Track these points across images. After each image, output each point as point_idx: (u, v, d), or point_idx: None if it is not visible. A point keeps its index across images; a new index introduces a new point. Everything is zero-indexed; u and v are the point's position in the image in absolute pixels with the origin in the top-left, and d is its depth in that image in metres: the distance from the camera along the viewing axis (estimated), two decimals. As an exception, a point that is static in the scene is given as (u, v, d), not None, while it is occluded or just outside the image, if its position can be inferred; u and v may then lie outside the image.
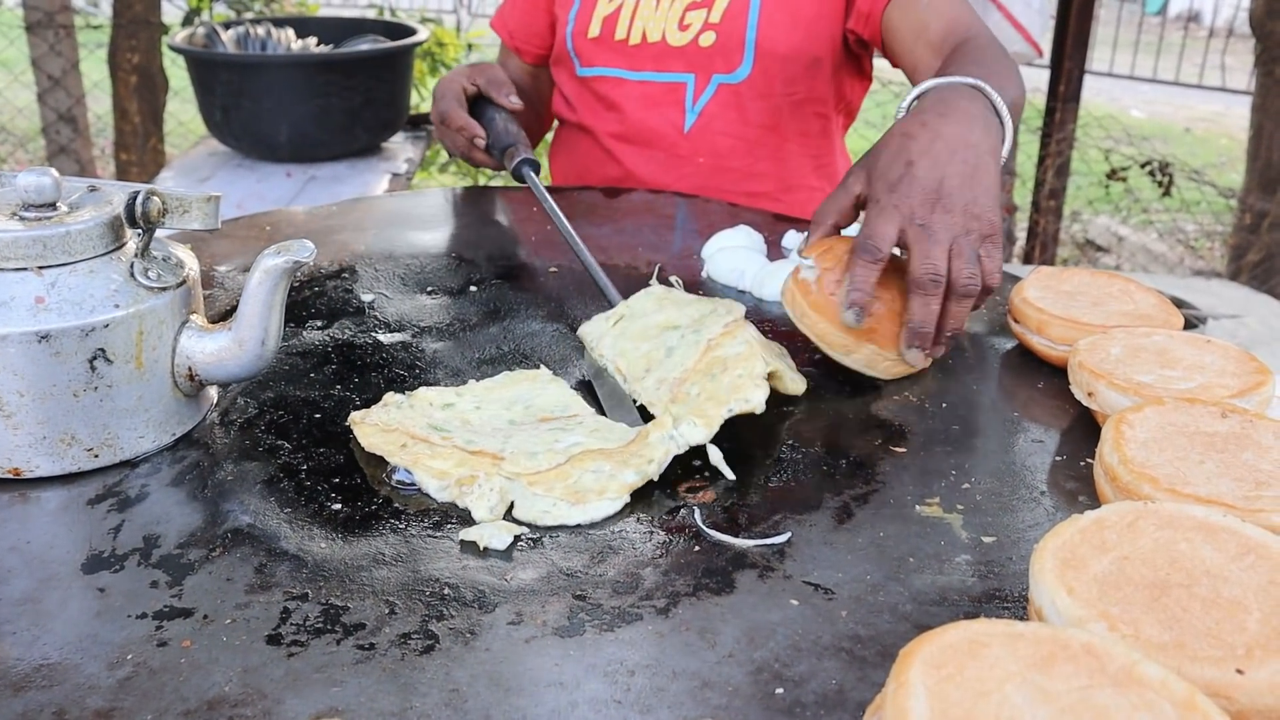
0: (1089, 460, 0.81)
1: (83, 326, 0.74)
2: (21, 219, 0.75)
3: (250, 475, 0.78)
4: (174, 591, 0.65)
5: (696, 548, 0.71)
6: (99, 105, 4.71)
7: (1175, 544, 0.60)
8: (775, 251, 1.22)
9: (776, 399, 0.89)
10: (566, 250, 1.24)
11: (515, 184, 1.35)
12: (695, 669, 0.59)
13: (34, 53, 4.11)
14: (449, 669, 0.59)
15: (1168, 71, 6.48)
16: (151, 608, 0.64)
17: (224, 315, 0.96)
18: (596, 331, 0.96)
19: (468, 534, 0.71)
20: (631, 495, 0.75)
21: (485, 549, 0.70)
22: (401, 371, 0.94)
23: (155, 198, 0.78)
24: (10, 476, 0.76)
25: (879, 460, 0.82)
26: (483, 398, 0.87)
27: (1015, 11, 2.93)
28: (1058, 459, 0.82)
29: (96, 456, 0.77)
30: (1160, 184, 4.13)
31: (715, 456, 0.79)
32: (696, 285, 1.14)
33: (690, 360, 0.87)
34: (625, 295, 1.01)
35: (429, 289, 1.12)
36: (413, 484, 0.76)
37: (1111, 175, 4.26)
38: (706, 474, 0.79)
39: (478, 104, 1.42)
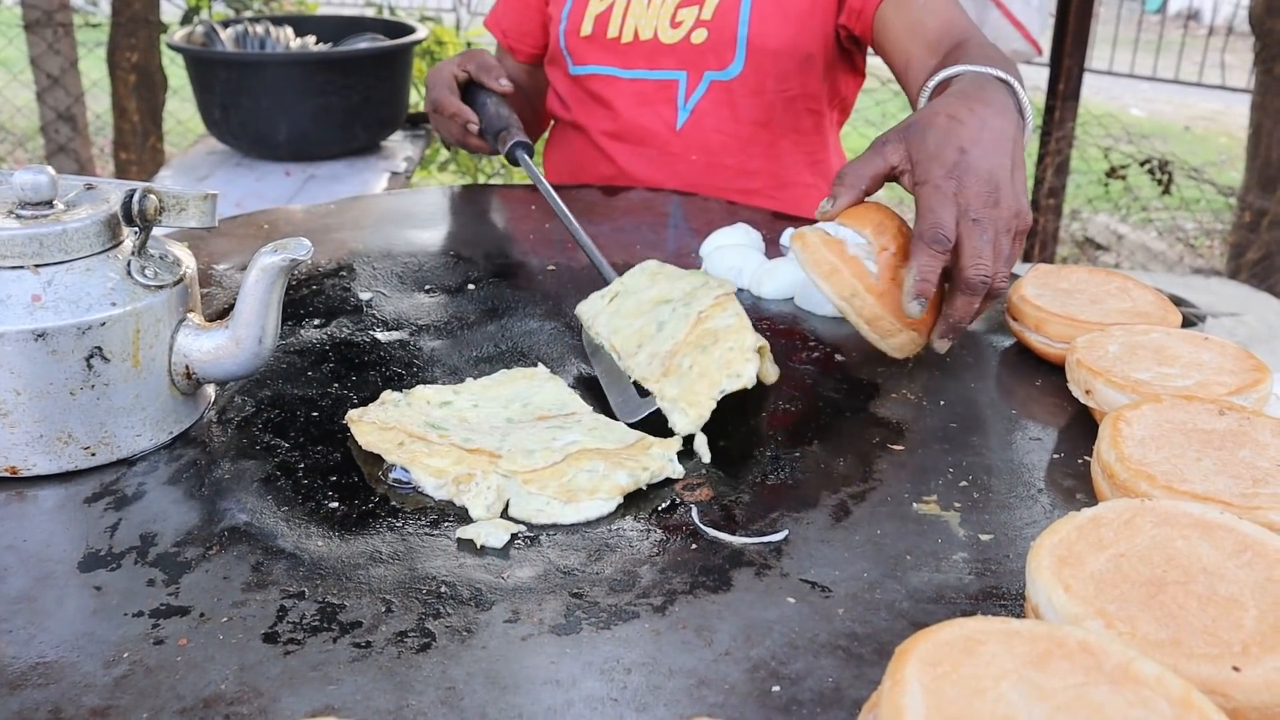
0: (1087, 458, 0.81)
1: (79, 325, 0.74)
2: (18, 217, 0.75)
3: (247, 473, 0.78)
4: (170, 590, 0.65)
5: (693, 546, 0.71)
6: (98, 104, 4.71)
7: (1172, 541, 0.60)
8: (773, 249, 1.22)
9: (773, 397, 0.90)
10: (564, 248, 1.24)
11: (514, 183, 1.35)
12: (692, 667, 0.59)
13: (33, 51, 4.11)
14: (445, 667, 0.59)
15: (1167, 70, 6.47)
16: (148, 606, 0.64)
17: (222, 313, 0.96)
18: (593, 310, 0.96)
19: (465, 532, 0.71)
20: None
21: (482, 547, 0.70)
22: (399, 370, 0.94)
23: (152, 196, 0.78)
24: (7, 475, 0.76)
25: (876, 458, 0.81)
26: (480, 396, 0.87)
27: (1014, 10, 2.93)
28: (1055, 456, 0.82)
29: (93, 455, 0.77)
30: (1160, 182, 4.13)
31: (699, 443, 0.80)
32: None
33: (681, 333, 0.86)
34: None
35: (427, 287, 1.12)
36: (409, 483, 0.76)
37: (1111, 173, 4.26)
38: (703, 472, 0.79)
39: (469, 90, 1.42)
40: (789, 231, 1.25)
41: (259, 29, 2.51)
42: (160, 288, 0.78)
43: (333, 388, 0.90)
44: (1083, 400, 0.85)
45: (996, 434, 0.86)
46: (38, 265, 0.74)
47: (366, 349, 0.98)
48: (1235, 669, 0.51)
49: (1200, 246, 4.69)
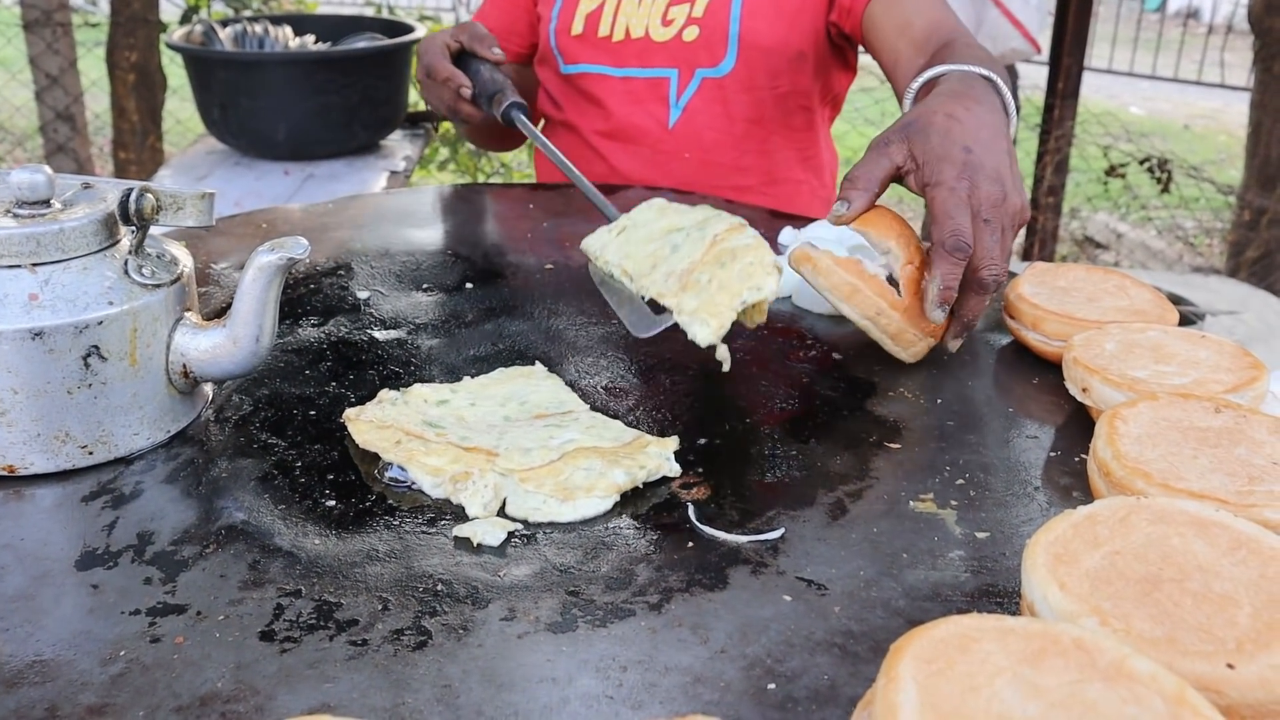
0: (1083, 456, 0.81)
1: (76, 324, 0.74)
2: (15, 216, 0.75)
3: (245, 472, 0.78)
4: (167, 588, 0.65)
5: (690, 544, 0.71)
6: (97, 103, 4.71)
7: (1167, 539, 0.60)
8: (771, 248, 1.21)
9: (771, 395, 0.90)
10: (562, 248, 1.24)
11: (512, 182, 1.35)
12: (688, 664, 0.59)
13: (32, 51, 4.11)
14: (442, 665, 0.59)
15: (1167, 68, 6.47)
16: (145, 604, 0.64)
17: (220, 312, 0.96)
18: (600, 241, 0.95)
19: (461, 530, 0.71)
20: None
21: (479, 545, 0.70)
22: (396, 368, 0.94)
23: (149, 195, 0.78)
24: (5, 474, 0.76)
25: (873, 456, 0.82)
26: (477, 394, 0.87)
27: (1013, 8, 2.93)
28: (1052, 454, 0.82)
29: (91, 454, 0.77)
30: (1159, 181, 4.12)
31: (723, 353, 0.80)
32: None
33: (697, 253, 0.85)
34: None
35: (424, 286, 1.12)
36: (404, 481, 0.76)
37: (1110, 172, 4.25)
38: (700, 470, 0.79)
39: (462, 60, 1.41)
40: (787, 230, 1.25)
41: (258, 28, 2.51)
42: (158, 286, 0.78)
43: (330, 386, 0.90)
44: (1080, 398, 0.85)
45: (993, 432, 0.86)
46: (35, 264, 0.74)
47: (364, 348, 0.98)
48: (1230, 666, 0.51)
49: (1200, 245, 4.69)
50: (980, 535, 0.72)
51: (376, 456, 0.78)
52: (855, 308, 0.90)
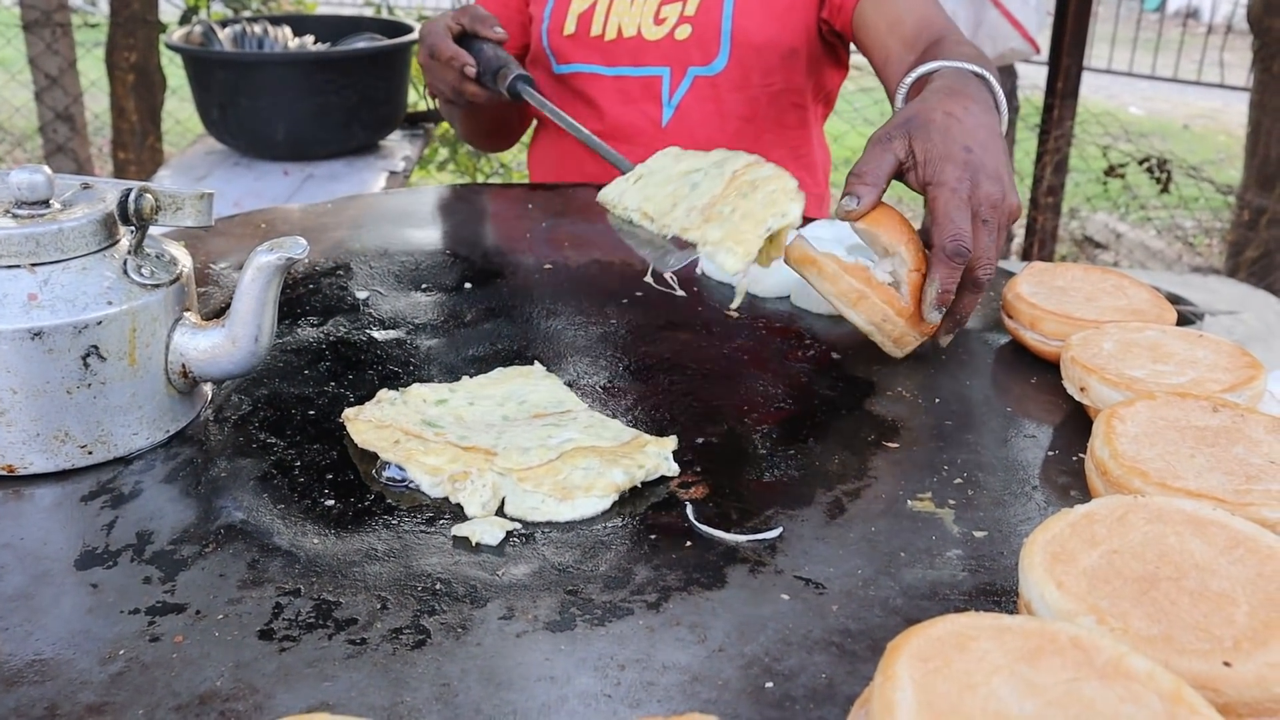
0: (1081, 455, 0.81)
1: (76, 324, 0.74)
2: (14, 216, 0.75)
3: (244, 472, 0.78)
4: (167, 587, 0.65)
5: (688, 543, 0.71)
6: (97, 104, 4.71)
7: (1165, 538, 0.60)
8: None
9: (770, 395, 0.90)
10: (561, 247, 1.24)
11: (511, 182, 1.35)
12: (685, 663, 0.60)
13: (31, 51, 4.11)
14: (440, 664, 0.59)
15: (1166, 68, 6.47)
16: (144, 603, 0.64)
17: (219, 312, 0.96)
18: (617, 190, 0.95)
19: (460, 529, 0.71)
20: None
21: (477, 544, 0.70)
22: (395, 368, 0.94)
23: (148, 195, 0.78)
24: (4, 473, 0.76)
25: (871, 455, 0.82)
26: (476, 394, 0.87)
27: (1012, 8, 2.93)
28: (1050, 454, 0.83)
29: (90, 453, 0.77)
30: (1158, 181, 4.13)
31: (742, 286, 0.82)
32: (693, 281, 1.14)
33: (718, 188, 0.85)
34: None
35: (423, 286, 1.12)
36: (402, 481, 0.76)
37: (1110, 172, 4.25)
38: (699, 469, 0.79)
39: (463, 42, 1.41)
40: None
41: (257, 29, 2.52)
42: (157, 286, 0.78)
43: (329, 386, 0.91)
44: (1077, 397, 0.86)
45: (991, 431, 0.86)
46: (34, 264, 0.74)
47: (363, 348, 0.98)
48: (1226, 664, 0.52)
49: (1199, 245, 4.69)
50: (978, 534, 0.72)
51: (375, 456, 0.78)
52: (861, 314, 0.90)
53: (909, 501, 0.76)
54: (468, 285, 1.13)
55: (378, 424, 0.81)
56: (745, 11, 1.42)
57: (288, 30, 2.55)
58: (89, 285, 0.75)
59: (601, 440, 0.79)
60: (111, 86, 3.87)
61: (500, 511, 0.74)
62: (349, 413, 0.83)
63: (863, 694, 0.53)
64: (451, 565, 0.68)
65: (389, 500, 0.75)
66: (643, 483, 0.76)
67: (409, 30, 2.48)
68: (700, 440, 0.83)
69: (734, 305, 0.82)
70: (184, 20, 3.61)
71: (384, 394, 0.85)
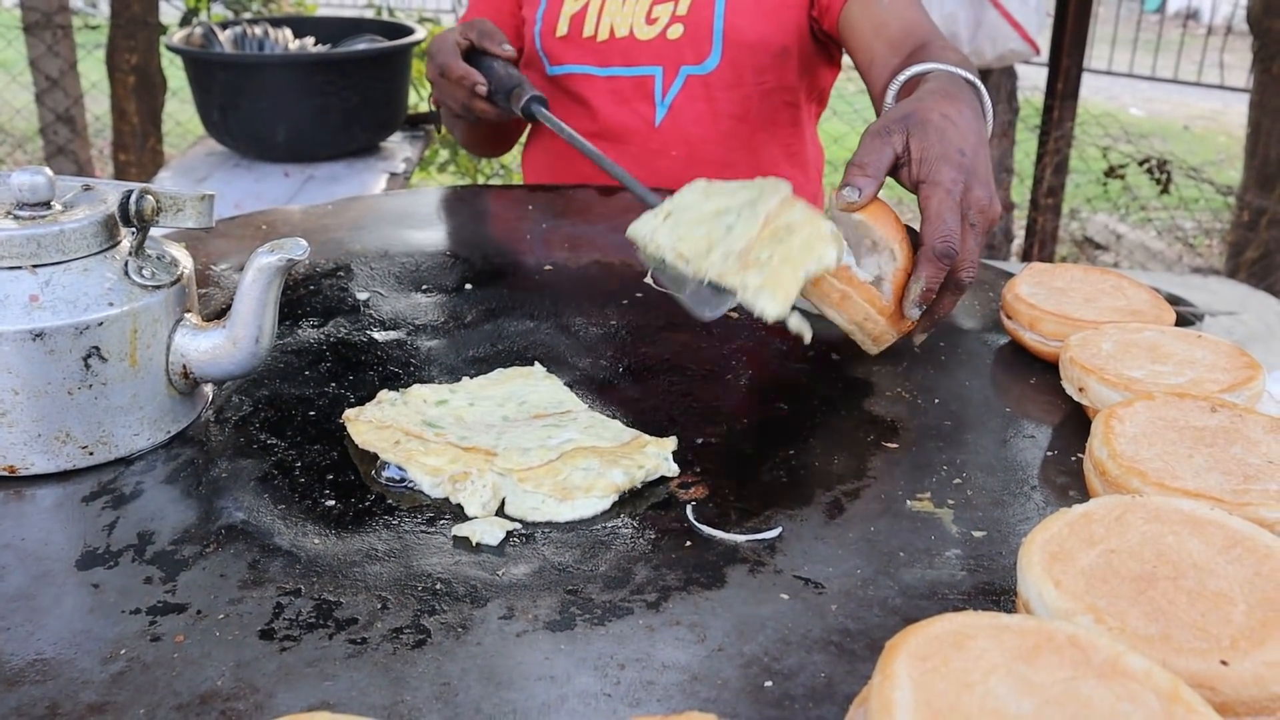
0: (1080, 455, 0.81)
1: (77, 324, 0.74)
2: (16, 218, 0.76)
3: (244, 472, 0.78)
4: (168, 587, 0.65)
5: (688, 543, 0.71)
6: (97, 106, 4.71)
7: (1163, 537, 0.60)
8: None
9: (769, 395, 0.90)
10: (561, 248, 1.25)
11: (511, 184, 1.36)
12: (685, 662, 0.60)
13: (32, 53, 4.12)
14: (440, 663, 0.59)
15: (1166, 69, 6.48)
16: (145, 603, 0.64)
17: (220, 313, 0.96)
18: (647, 228, 0.94)
19: (460, 530, 0.71)
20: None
21: (478, 544, 0.70)
22: (396, 369, 0.94)
23: (149, 196, 0.78)
24: (6, 474, 0.76)
25: (871, 455, 0.82)
26: (476, 394, 0.87)
27: (1012, 10, 2.94)
28: (1049, 454, 0.83)
29: (91, 454, 0.78)
30: (1158, 182, 4.13)
31: (796, 324, 0.81)
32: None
33: (753, 231, 0.86)
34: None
35: (424, 287, 1.12)
36: (401, 481, 0.77)
37: (1110, 173, 4.26)
38: (698, 470, 0.79)
39: (472, 57, 1.41)
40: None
41: (258, 30, 2.52)
42: (158, 288, 0.79)
43: (330, 387, 0.91)
44: (1076, 398, 0.86)
45: (990, 432, 0.86)
46: (35, 265, 0.74)
47: (363, 349, 0.98)
48: (1224, 663, 0.52)
49: (1199, 246, 4.69)
50: (977, 534, 0.72)
51: (376, 457, 0.79)
52: (844, 313, 0.90)
53: (908, 501, 0.76)
54: (468, 286, 1.13)
55: (378, 424, 0.81)
56: (737, 10, 1.43)
57: (288, 32, 2.56)
58: (90, 286, 0.76)
59: (601, 441, 0.79)
60: (112, 88, 3.88)
61: (500, 512, 0.74)
62: (349, 413, 0.83)
63: (861, 693, 0.53)
64: (452, 565, 0.68)
65: (389, 500, 0.75)
66: (642, 483, 0.77)
67: (409, 32, 2.48)
68: (700, 440, 0.83)
69: (806, 339, 0.83)
70: (184, 22, 3.62)
71: (384, 395, 0.86)
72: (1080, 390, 0.85)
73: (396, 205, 1.41)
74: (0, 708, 0.56)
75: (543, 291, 1.12)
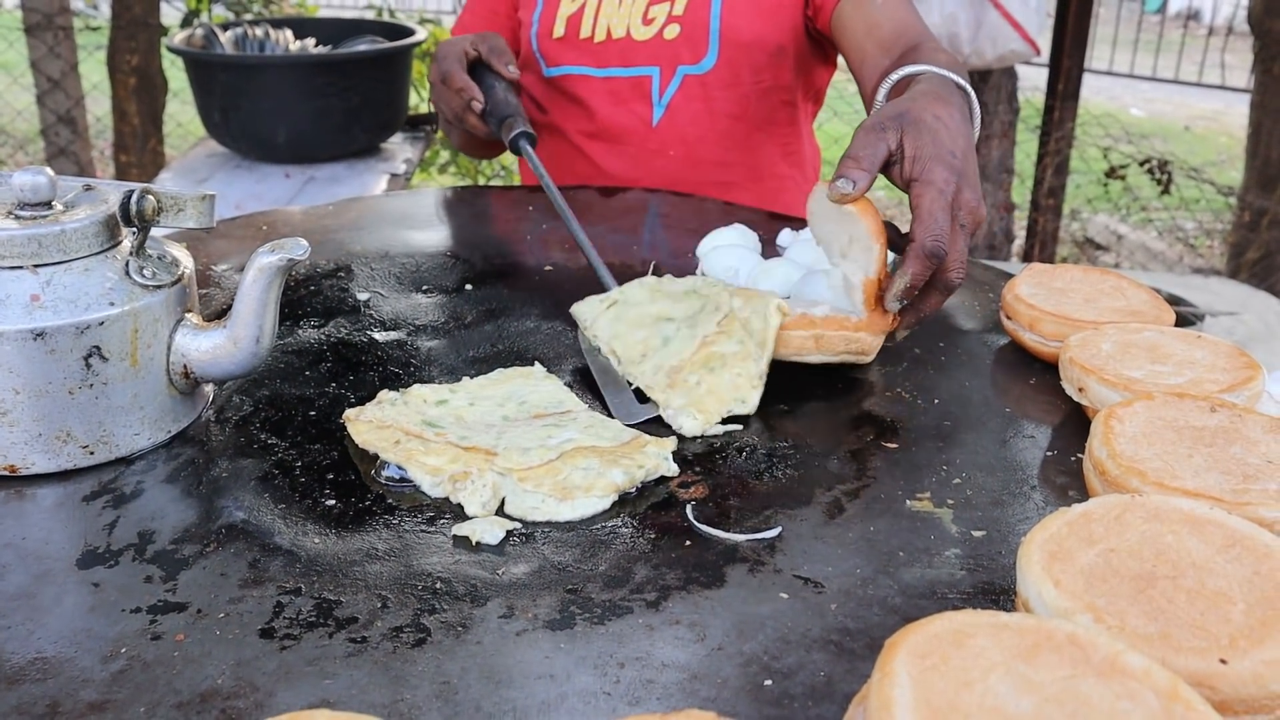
0: (1079, 455, 0.81)
1: (78, 324, 0.74)
2: (17, 218, 0.76)
3: (245, 472, 0.78)
4: (168, 586, 0.66)
5: (687, 542, 0.71)
6: (98, 107, 4.72)
7: (1162, 536, 0.60)
8: (770, 250, 1.22)
9: (768, 395, 0.90)
10: (561, 249, 1.25)
11: (510, 184, 1.36)
12: (684, 661, 0.60)
13: (33, 55, 4.12)
14: (440, 662, 0.60)
15: (1167, 70, 6.47)
16: (145, 602, 0.64)
17: (221, 313, 0.96)
18: (590, 312, 0.97)
19: (460, 529, 0.71)
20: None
21: (478, 544, 0.70)
22: (396, 369, 0.94)
23: (150, 196, 0.78)
24: (7, 473, 0.76)
25: (870, 455, 0.82)
26: (476, 394, 0.87)
27: (1012, 10, 2.94)
28: (1049, 454, 0.83)
29: (92, 454, 0.78)
30: (1159, 182, 4.13)
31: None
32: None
33: (687, 352, 0.89)
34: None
35: (424, 287, 1.13)
36: (401, 481, 0.77)
37: (1110, 173, 4.26)
38: (698, 470, 0.79)
39: (477, 71, 1.40)
40: (785, 233, 1.25)
41: (258, 31, 2.52)
42: (158, 288, 0.79)
43: (330, 387, 0.91)
44: (1076, 398, 0.86)
45: (990, 432, 0.86)
46: (36, 265, 0.75)
47: (364, 349, 0.98)
48: (1223, 662, 0.52)
49: (1200, 246, 4.69)
50: (976, 534, 0.72)
51: (376, 456, 0.79)
52: (823, 352, 0.90)
53: (908, 501, 0.76)
54: (468, 287, 1.13)
55: (378, 424, 0.81)
56: (733, 10, 1.43)
57: (289, 33, 2.56)
58: (91, 286, 0.76)
59: (601, 440, 0.79)
60: (113, 89, 3.88)
61: (500, 511, 0.74)
62: (350, 413, 0.83)
63: (860, 691, 0.53)
64: (452, 564, 0.68)
65: (389, 500, 0.75)
66: (642, 483, 0.77)
67: (410, 33, 2.48)
68: (699, 440, 0.83)
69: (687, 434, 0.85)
70: (185, 23, 3.62)
71: (385, 395, 0.86)
72: (1080, 390, 0.85)
73: (397, 206, 1.41)
74: (1, 706, 0.56)
75: (543, 291, 1.12)
